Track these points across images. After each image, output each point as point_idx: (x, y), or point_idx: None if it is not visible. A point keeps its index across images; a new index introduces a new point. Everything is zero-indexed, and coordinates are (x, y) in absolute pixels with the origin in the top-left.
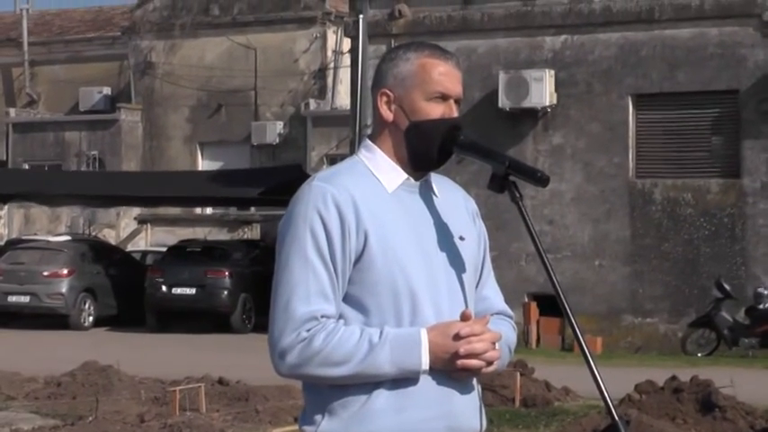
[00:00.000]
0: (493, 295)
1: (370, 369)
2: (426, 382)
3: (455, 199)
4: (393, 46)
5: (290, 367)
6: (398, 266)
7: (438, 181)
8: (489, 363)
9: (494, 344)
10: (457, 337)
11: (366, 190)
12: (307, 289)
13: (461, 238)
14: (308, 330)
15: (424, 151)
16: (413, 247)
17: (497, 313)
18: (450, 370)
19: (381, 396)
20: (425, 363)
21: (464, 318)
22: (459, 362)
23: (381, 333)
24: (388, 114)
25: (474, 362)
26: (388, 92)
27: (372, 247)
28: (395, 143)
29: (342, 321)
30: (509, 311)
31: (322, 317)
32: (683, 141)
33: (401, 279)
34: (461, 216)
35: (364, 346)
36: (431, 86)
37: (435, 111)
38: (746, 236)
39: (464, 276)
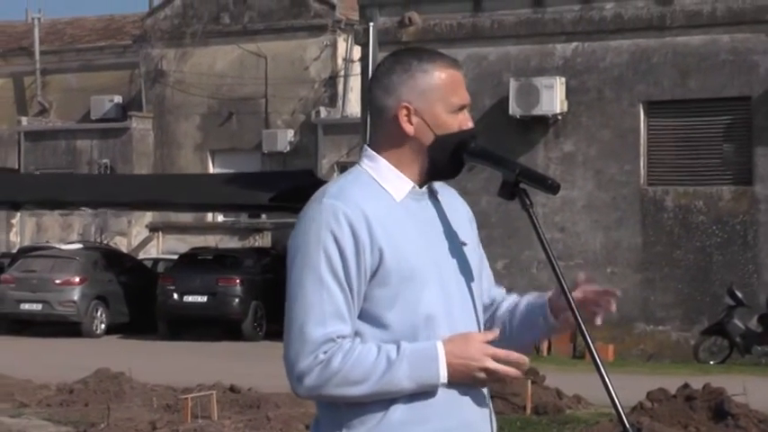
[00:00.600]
0: (501, 294)
1: (389, 386)
2: (442, 392)
3: (455, 204)
4: (395, 54)
5: (309, 389)
6: (413, 279)
7: (438, 186)
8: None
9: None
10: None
11: (376, 202)
12: (322, 310)
13: (464, 244)
14: (326, 353)
15: (445, 163)
16: (425, 258)
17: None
18: (469, 380)
19: (398, 410)
20: (444, 376)
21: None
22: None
23: (398, 349)
24: (409, 128)
25: (505, 368)
26: (408, 105)
27: (387, 262)
28: (413, 157)
29: (358, 340)
30: (504, 292)
31: (338, 338)
32: (695, 148)
33: (416, 292)
34: (463, 221)
35: (382, 363)
36: (453, 99)
37: (455, 122)
38: (759, 243)
39: (473, 283)
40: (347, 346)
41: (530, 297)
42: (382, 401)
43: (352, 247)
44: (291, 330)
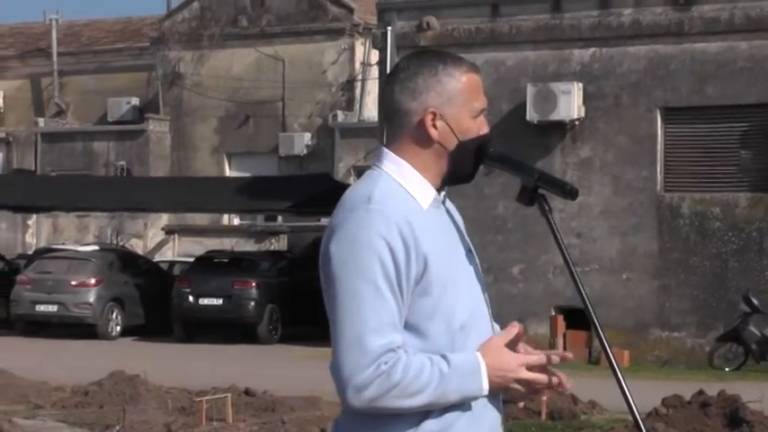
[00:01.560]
0: None
1: (441, 398)
2: (474, 401)
3: (455, 212)
4: (417, 56)
5: (369, 401)
6: (450, 289)
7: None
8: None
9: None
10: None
11: (411, 210)
12: (380, 320)
13: (470, 251)
14: (386, 363)
15: (465, 167)
16: (454, 266)
17: None
18: (502, 392)
19: (431, 420)
20: (486, 388)
21: (518, 337)
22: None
23: (448, 361)
24: (435, 133)
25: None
26: (435, 111)
27: (431, 271)
28: (435, 161)
29: (411, 351)
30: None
31: (397, 348)
32: (712, 155)
33: (452, 301)
34: (463, 228)
35: (436, 375)
36: (475, 104)
37: (475, 127)
38: None
39: (485, 291)
40: (405, 359)
41: None
42: (418, 413)
43: (403, 254)
44: (346, 340)
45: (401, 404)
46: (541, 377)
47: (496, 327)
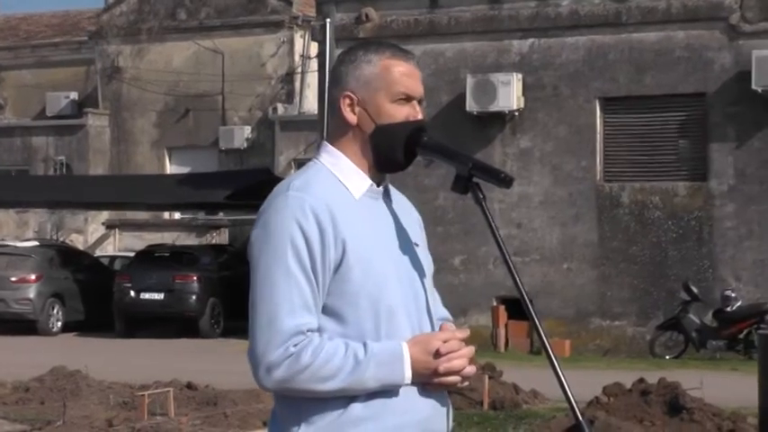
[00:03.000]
0: (444, 317)
1: (356, 384)
2: (402, 389)
3: (406, 206)
4: (349, 48)
5: (278, 382)
6: (374, 275)
7: (392, 189)
8: (465, 378)
9: (470, 359)
10: (437, 354)
11: (337, 198)
12: (291, 302)
13: (416, 245)
14: (296, 345)
15: (390, 154)
16: (383, 255)
17: (441, 319)
18: (426, 383)
19: (358, 406)
20: (408, 377)
21: (442, 329)
22: (437, 379)
23: (366, 348)
24: (351, 117)
25: (452, 379)
26: (351, 94)
27: (350, 256)
28: (359, 147)
29: (326, 336)
30: (449, 316)
31: (308, 330)
32: (651, 145)
33: (377, 288)
34: (413, 223)
35: (350, 361)
36: (395, 88)
37: (400, 113)
38: (714, 239)
39: (425, 281)
40: (316, 342)
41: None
42: (343, 398)
43: (318, 238)
44: (259, 322)
45: (313, 387)
46: (455, 380)
47: (447, 315)
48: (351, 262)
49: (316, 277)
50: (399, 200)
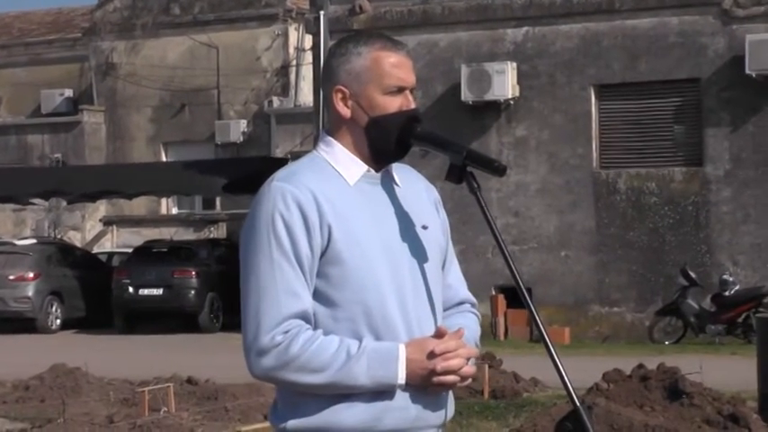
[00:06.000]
0: (456, 283)
1: (347, 379)
2: (399, 390)
3: (417, 188)
4: (339, 40)
5: (267, 369)
6: (364, 260)
7: (400, 171)
8: (464, 378)
9: (468, 359)
10: (432, 354)
11: (327, 185)
12: (275, 290)
13: (424, 227)
14: (285, 333)
15: (385, 145)
16: (376, 239)
17: (460, 302)
18: (425, 385)
19: (346, 404)
20: (402, 377)
21: (439, 334)
22: (436, 378)
23: (360, 345)
24: (345, 111)
25: (450, 378)
26: (343, 88)
27: (337, 241)
28: (354, 138)
29: (320, 330)
30: (472, 299)
31: (295, 316)
32: (646, 131)
33: (367, 272)
34: (424, 205)
35: (342, 355)
36: (387, 80)
37: (393, 104)
38: (710, 223)
39: (427, 266)
40: (309, 333)
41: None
42: (337, 394)
43: (301, 225)
44: (248, 312)
45: (302, 379)
46: (454, 379)
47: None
48: (338, 247)
49: (300, 264)
50: (410, 182)
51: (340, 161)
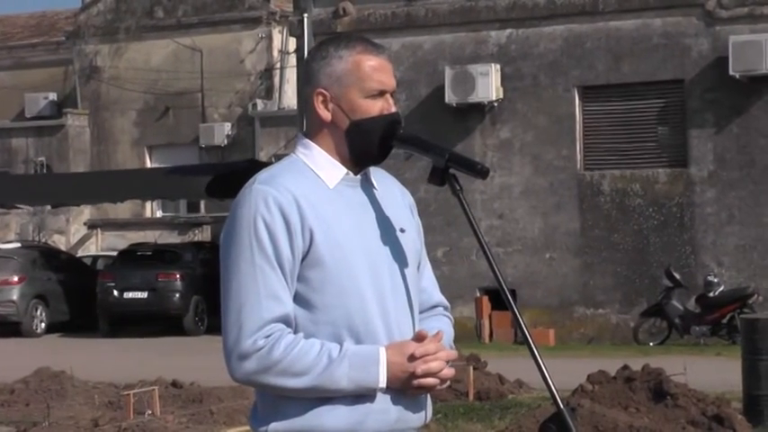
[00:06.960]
0: (430, 287)
1: (328, 383)
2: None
3: (393, 191)
4: (319, 43)
5: (249, 373)
6: (345, 263)
7: (376, 174)
8: (443, 380)
9: (448, 362)
10: (412, 357)
11: (307, 187)
12: (257, 294)
13: (402, 230)
14: (267, 337)
15: (367, 148)
16: (357, 242)
17: (434, 306)
18: (405, 388)
19: (328, 407)
20: (383, 381)
21: (419, 338)
22: (416, 381)
23: (341, 349)
24: (325, 114)
25: (430, 381)
26: (323, 91)
27: (318, 244)
28: (335, 142)
29: (301, 334)
30: (445, 302)
31: (277, 320)
32: (630, 132)
33: (348, 276)
34: (400, 208)
35: (323, 359)
36: (368, 84)
37: (374, 107)
38: (695, 225)
39: (406, 270)
40: (290, 338)
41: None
42: (318, 397)
43: (282, 229)
44: (229, 316)
45: (283, 383)
46: (433, 382)
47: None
48: (319, 250)
49: (282, 267)
50: (387, 185)
51: (319, 164)
